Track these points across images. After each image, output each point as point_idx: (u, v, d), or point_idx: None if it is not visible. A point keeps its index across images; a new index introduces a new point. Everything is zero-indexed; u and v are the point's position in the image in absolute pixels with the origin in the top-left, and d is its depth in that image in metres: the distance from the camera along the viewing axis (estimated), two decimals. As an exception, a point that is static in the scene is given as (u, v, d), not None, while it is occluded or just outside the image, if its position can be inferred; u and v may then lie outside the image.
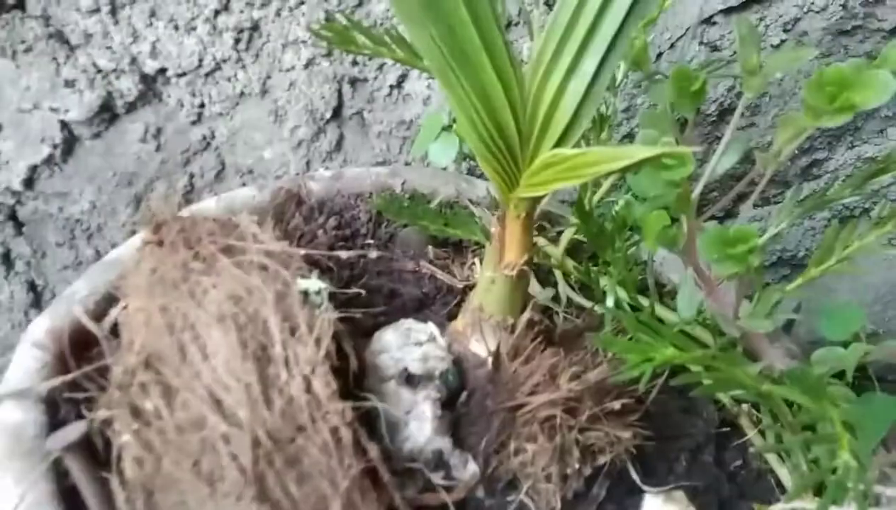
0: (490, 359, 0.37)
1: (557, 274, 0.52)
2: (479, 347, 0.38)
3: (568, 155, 0.29)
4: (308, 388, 0.30)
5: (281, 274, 0.33)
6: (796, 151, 0.63)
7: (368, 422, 0.34)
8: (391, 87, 0.58)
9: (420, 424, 0.33)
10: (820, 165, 0.66)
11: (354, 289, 0.43)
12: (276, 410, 0.29)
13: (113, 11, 0.53)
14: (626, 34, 0.29)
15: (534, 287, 0.52)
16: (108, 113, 0.58)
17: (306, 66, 0.57)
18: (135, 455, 0.29)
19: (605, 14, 0.29)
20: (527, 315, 0.38)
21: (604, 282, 0.49)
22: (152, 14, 0.53)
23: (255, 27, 0.55)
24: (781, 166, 0.37)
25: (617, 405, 0.35)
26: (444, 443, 0.33)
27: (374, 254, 0.48)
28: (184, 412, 0.30)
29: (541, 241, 0.52)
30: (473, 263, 0.49)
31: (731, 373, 0.32)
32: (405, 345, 0.38)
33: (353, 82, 0.58)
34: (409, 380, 0.35)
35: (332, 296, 0.39)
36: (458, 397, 0.37)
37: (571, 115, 0.30)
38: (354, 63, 0.57)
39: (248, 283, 0.32)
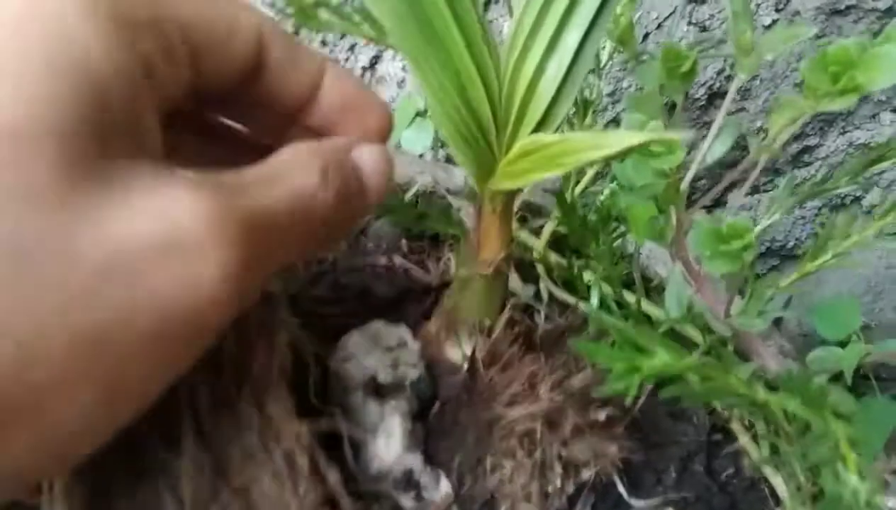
0: (465, 365, 0.34)
1: (539, 268, 0.49)
2: (454, 352, 0.35)
3: (547, 141, 0.26)
4: (259, 407, 0.27)
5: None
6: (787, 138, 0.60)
7: (329, 438, 0.31)
8: (363, 68, 0.55)
9: (388, 441, 0.31)
10: (811, 152, 0.64)
11: (320, 288, 0.40)
12: (222, 432, 0.26)
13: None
14: (610, 6, 0.26)
15: (515, 282, 0.49)
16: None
17: (270, 46, 0.53)
18: (63, 483, 0.26)
19: (589, -16, 0.26)
20: (505, 316, 0.35)
21: (588, 276, 0.46)
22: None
23: (213, 5, 0.51)
24: (776, 153, 0.34)
25: (602, 416, 0.32)
26: (415, 461, 0.30)
27: (342, 247, 0.45)
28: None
29: (522, 233, 0.49)
30: (450, 258, 0.46)
31: (726, 382, 0.29)
32: (373, 350, 0.34)
33: (322, 64, 0.55)
34: (377, 390, 0.32)
35: (294, 299, 0.36)
36: (430, 408, 0.34)
37: (552, 97, 0.27)
38: (324, 43, 0.53)
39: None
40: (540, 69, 0.28)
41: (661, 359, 0.27)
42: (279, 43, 0.23)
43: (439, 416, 0.33)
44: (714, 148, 0.36)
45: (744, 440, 0.40)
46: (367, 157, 0.24)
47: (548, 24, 0.27)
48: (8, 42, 0.16)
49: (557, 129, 0.29)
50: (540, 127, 0.28)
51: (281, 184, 0.20)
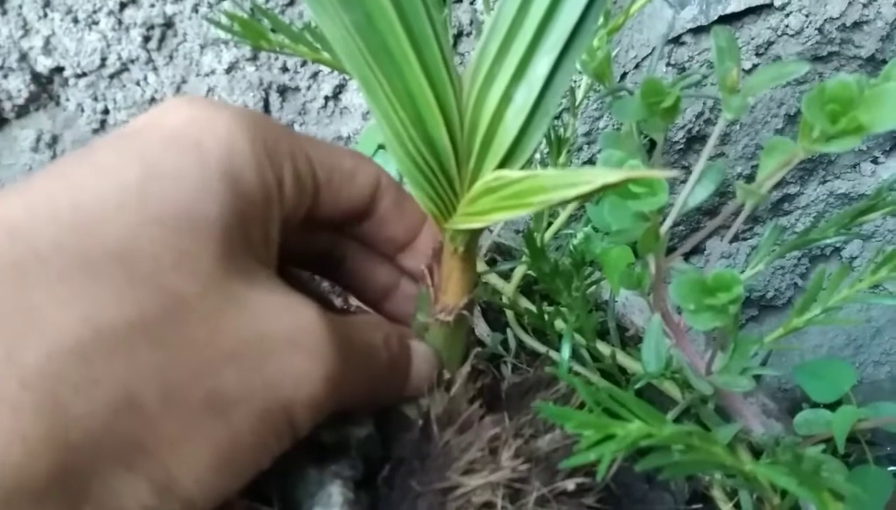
0: (420, 422, 0.31)
1: (509, 314, 0.46)
2: (409, 407, 0.32)
3: (513, 178, 0.23)
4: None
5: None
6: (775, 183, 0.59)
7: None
8: (326, 98, 0.52)
9: (325, 511, 0.27)
10: (791, 200, 0.62)
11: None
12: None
13: (0, -1, 0.46)
14: (586, 30, 0.23)
15: (482, 328, 0.46)
16: (-6, 116, 0.50)
17: (228, 70, 0.50)
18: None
19: (562, 4, 0.23)
20: (466, 369, 0.32)
21: (560, 324, 0.43)
22: (46, 4, 0.46)
23: (168, 24, 0.48)
24: (762, 200, 0.32)
25: (571, 485, 0.28)
26: (356, 537, 0.26)
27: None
28: None
29: (491, 276, 0.46)
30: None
31: (709, 452, 0.26)
32: (317, 404, 0.31)
33: (283, 91, 0.52)
34: (317, 451, 0.28)
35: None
36: (379, 471, 0.30)
37: (519, 130, 0.25)
38: (284, 69, 0.51)
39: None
40: (506, 98, 0.25)
41: (638, 426, 0.24)
42: (391, 194, 0.27)
43: (388, 482, 0.29)
44: (696, 192, 0.33)
45: (726, 509, 0.37)
46: (420, 350, 0.28)
47: (515, 50, 0.25)
48: (188, 154, 0.20)
49: (526, 165, 0.26)
50: (506, 161, 0.25)
51: (360, 331, 0.24)
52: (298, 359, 0.20)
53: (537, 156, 0.48)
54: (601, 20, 0.36)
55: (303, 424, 0.21)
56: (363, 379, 0.24)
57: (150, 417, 0.17)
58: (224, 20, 0.34)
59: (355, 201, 0.26)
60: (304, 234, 0.27)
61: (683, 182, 0.33)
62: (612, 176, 0.19)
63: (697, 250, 0.66)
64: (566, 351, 0.35)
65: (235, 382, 0.18)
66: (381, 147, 0.43)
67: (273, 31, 0.37)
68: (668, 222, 0.32)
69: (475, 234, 0.28)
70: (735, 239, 0.66)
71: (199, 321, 0.18)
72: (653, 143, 0.34)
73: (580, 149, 0.56)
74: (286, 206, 0.23)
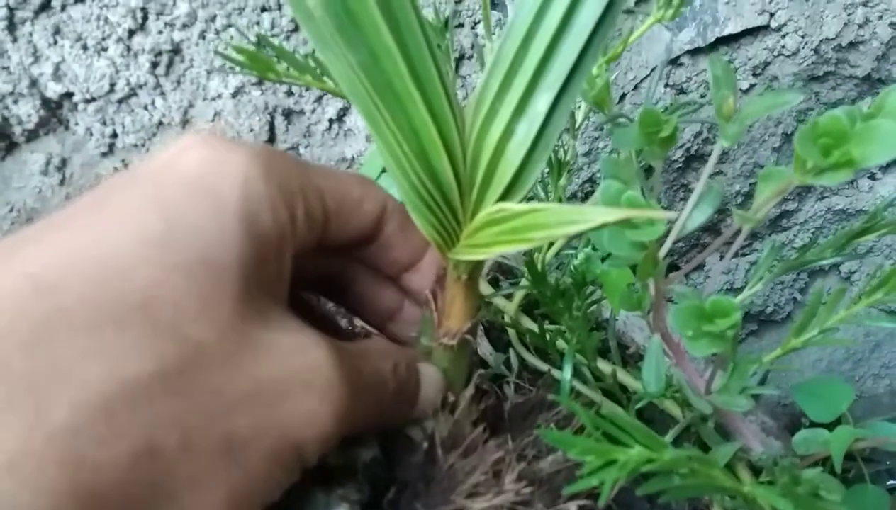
0: (425, 445, 0.31)
1: (511, 333, 0.46)
2: (414, 430, 0.32)
3: (515, 212, 0.24)
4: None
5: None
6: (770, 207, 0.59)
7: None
8: (330, 120, 0.53)
9: (333, 535, 0.27)
10: (789, 217, 0.63)
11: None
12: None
13: (11, 27, 0.46)
14: (585, 68, 0.24)
15: (485, 347, 0.46)
16: (4, 141, 0.51)
17: (234, 94, 0.51)
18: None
19: (561, 43, 0.24)
20: (469, 391, 0.32)
21: (561, 344, 0.44)
22: (57, 31, 0.47)
23: (175, 50, 0.49)
24: (758, 223, 0.33)
25: (573, 507, 0.29)
26: (363, 561, 0.27)
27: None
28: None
29: (494, 296, 0.47)
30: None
31: (710, 477, 0.26)
32: (323, 427, 0.31)
33: (288, 114, 0.53)
34: (324, 474, 0.29)
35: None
36: (384, 494, 0.30)
37: (520, 163, 0.25)
38: (289, 93, 0.52)
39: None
40: (508, 132, 0.26)
41: (639, 452, 0.25)
42: (396, 219, 0.28)
43: (394, 505, 0.30)
44: (694, 216, 0.34)
45: (726, 528, 0.37)
46: (427, 372, 0.29)
47: (516, 86, 0.25)
48: (205, 201, 0.20)
49: (528, 192, 0.27)
50: (508, 192, 0.26)
51: (369, 360, 0.25)
52: (310, 400, 0.20)
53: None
54: (600, 48, 0.37)
55: (312, 458, 0.22)
56: (372, 407, 0.25)
57: (169, 462, 0.17)
58: (231, 50, 0.35)
59: (363, 227, 0.27)
60: (313, 260, 0.28)
61: (683, 200, 0.34)
62: (611, 215, 0.20)
63: (697, 266, 0.67)
64: (568, 371, 0.36)
65: (249, 425, 0.19)
66: (385, 170, 0.44)
67: (278, 58, 0.38)
68: (667, 246, 0.33)
69: (478, 263, 0.29)
70: (734, 255, 0.67)
71: (217, 368, 0.18)
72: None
73: (580, 169, 0.57)
74: (298, 239, 0.23)
